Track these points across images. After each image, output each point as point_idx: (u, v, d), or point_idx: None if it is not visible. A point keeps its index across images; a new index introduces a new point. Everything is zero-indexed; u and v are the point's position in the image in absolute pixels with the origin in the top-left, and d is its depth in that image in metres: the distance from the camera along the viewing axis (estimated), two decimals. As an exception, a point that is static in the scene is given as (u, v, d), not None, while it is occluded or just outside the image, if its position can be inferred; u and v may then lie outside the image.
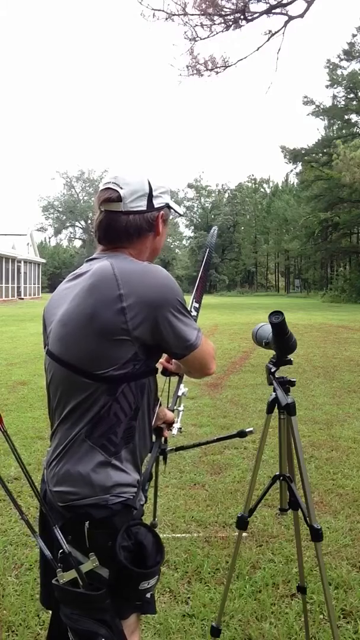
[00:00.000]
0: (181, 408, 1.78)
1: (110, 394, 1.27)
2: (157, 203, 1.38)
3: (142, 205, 1.35)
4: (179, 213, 1.50)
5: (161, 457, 1.67)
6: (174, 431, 1.68)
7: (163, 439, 1.64)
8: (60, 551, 1.26)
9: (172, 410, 1.70)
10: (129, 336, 1.24)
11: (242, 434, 1.80)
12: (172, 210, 1.47)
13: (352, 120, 41.76)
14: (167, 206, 1.43)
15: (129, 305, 1.23)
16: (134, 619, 1.34)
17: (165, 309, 1.27)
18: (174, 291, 1.30)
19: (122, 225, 1.34)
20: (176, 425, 1.68)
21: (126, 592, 1.27)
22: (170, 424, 1.66)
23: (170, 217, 1.52)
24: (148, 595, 1.31)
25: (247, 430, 1.82)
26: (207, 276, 1.87)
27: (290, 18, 11.59)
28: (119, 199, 1.33)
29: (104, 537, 1.25)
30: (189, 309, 1.42)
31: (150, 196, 1.36)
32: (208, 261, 1.85)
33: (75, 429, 1.29)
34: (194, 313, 1.71)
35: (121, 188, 1.33)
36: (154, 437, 1.53)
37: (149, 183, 1.36)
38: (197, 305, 1.74)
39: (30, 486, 1.32)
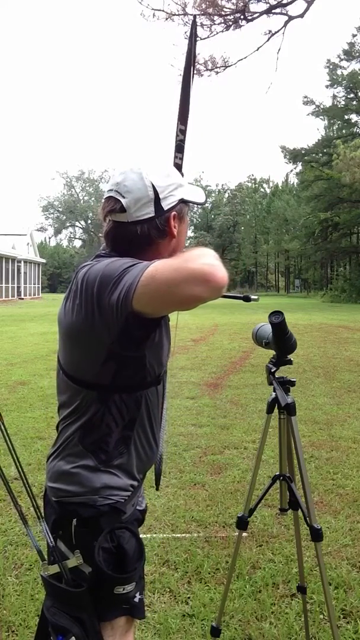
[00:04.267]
0: None
1: (101, 402, 1.26)
2: (167, 204, 1.26)
3: (149, 212, 1.24)
4: (198, 204, 1.36)
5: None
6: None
7: None
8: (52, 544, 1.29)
9: None
10: (95, 335, 1.18)
11: (247, 299, 1.69)
12: (190, 203, 1.34)
13: (352, 120, 41.79)
14: (182, 201, 1.31)
15: (85, 306, 1.19)
16: (124, 620, 1.33)
17: (105, 281, 1.14)
18: (113, 265, 1.16)
19: (129, 238, 1.25)
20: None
21: (103, 595, 1.26)
22: None
23: (190, 209, 1.38)
24: (136, 599, 1.31)
25: (253, 297, 1.71)
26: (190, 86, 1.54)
27: (290, 18, 11.59)
28: (123, 209, 1.24)
29: (89, 536, 1.25)
30: (176, 133, 1.28)
31: (157, 200, 1.24)
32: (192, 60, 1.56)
33: (70, 430, 1.30)
34: (180, 137, 1.52)
35: (123, 197, 1.23)
36: (163, 446, 1.52)
37: (154, 187, 1.24)
38: (183, 127, 1.54)
39: (25, 486, 1.32)
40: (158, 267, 1.08)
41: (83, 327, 1.20)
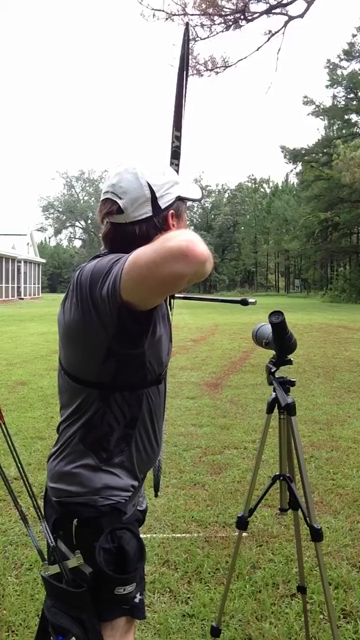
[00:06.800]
0: None
1: (102, 400, 1.26)
2: (164, 202, 1.26)
3: (146, 211, 1.23)
4: (194, 200, 1.35)
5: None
6: None
7: None
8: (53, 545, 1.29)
9: None
10: (93, 332, 1.19)
11: (244, 302, 1.70)
12: (187, 200, 1.34)
13: (352, 120, 41.81)
14: (179, 198, 1.30)
15: (81, 304, 1.19)
16: (125, 621, 1.33)
17: (95, 277, 1.16)
18: (102, 261, 1.18)
19: (128, 239, 1.23)
20: None
21: (104, 595, 1.26)
22: None
23: (188, 204, 1.38)
24: (136, 600, 1.30)
25: (250, 300, 1.68)
26: (186, 90, 1.56)
27: (290, 18, 11.61)
28: (120, 210, 1.23)
29: (90, 536, 1.25)
30: (171, 139, 1.30)
31: (154, 199, 1.24)
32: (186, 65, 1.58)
33: (71, 430, 1.30)
34: (175, 143, 1.54)
35: (120, 198, 1.23)
36: (162, 453, 1.51)
37: (150, 186, 1.23)
38: (178, 134, 1.55)
39: (25, 486, 1.33)
40: (139, 253, 1.06)
41: (81, 326, 1.21)
